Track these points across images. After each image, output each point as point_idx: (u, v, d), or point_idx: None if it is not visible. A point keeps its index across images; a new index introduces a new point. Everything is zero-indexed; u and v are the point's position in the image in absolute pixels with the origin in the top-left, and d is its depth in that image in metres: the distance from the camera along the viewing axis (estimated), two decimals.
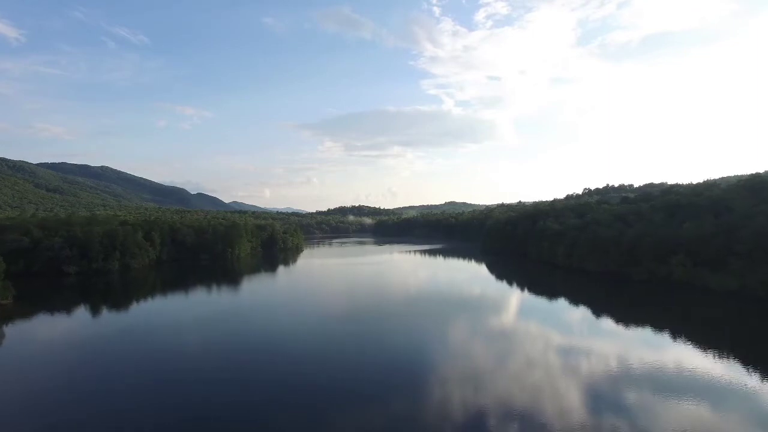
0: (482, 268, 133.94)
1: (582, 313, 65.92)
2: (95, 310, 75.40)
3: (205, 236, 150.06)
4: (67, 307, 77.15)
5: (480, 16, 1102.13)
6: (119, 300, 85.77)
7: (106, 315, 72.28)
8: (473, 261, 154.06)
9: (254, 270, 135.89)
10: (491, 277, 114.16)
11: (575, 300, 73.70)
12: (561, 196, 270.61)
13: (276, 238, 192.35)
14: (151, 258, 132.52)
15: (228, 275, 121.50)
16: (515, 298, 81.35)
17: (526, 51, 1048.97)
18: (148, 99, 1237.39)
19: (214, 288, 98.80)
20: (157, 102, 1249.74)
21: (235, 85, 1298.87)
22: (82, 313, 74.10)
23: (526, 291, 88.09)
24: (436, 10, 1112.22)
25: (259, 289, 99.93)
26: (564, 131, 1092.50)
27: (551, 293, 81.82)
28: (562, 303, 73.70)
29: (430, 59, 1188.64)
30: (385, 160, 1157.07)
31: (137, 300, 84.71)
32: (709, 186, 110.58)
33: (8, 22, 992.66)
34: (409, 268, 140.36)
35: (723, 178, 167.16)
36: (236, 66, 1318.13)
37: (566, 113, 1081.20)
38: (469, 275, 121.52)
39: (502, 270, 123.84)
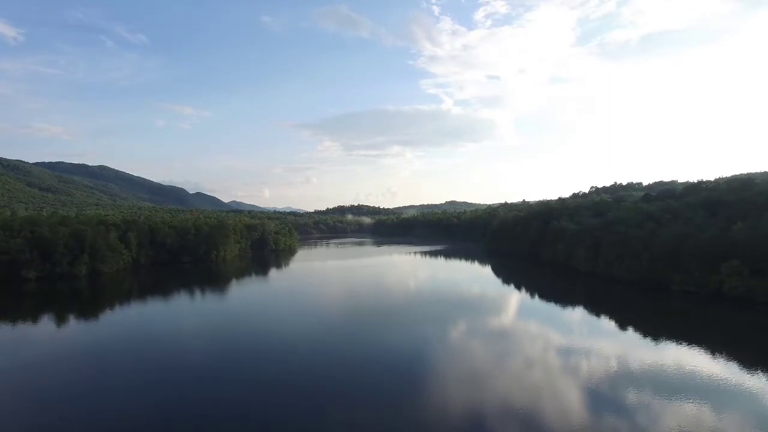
0: (492, 273, 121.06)
1: (629, 334, 53.48)
2: (57, 322, 65.83)
3: (187, 237, 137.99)
4: (21, 318, 67.34)
5: (479, 15, 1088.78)
6: (85, 309, 75.79)
7: (67, 329, 62.36)
8: (481, 264, 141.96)
9: (239, 275, 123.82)
10: (505, 284, 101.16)
11: (613, 315, 61.29)
12: (565, 195, 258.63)
13: (267, 238, 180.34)
14: (126, 261, 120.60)
15: (208, 281, 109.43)
16: (538, 310, 68.77)
17: (525, 50, 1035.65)
18: (148, 99, 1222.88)
19: (184, 297, 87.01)
20: (156, 102, 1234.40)
21: (233, 85, 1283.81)
22: (40, 325, 63.96)
23: (549, 302, 75.14)
24: (435, 9, 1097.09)
25: (238, 299, 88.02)
26: (564, 130, 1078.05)
27: (581, 305, 69.54)
28: (600, 319, 61.44)
29: (429, 58, 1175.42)
30: (385, 160, 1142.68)
31: (102, 310, 74.34)
32: (745, 181, 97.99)
33: (6, 21, 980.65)
34: (411, 272, 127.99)
35: (735, 175, 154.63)
36: (235, 65, 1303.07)
37: (566, 112, 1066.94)
38: (479, 281, 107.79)
39: (515, 275, 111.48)
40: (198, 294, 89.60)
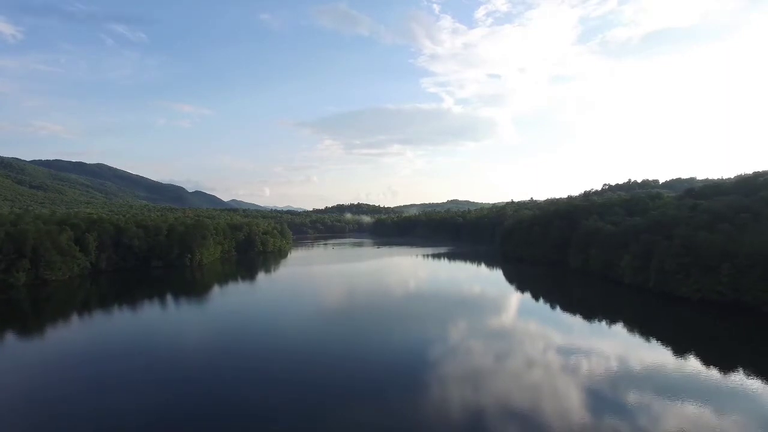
0: (514, 285, 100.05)
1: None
2: None
3: (158, 238, 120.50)
4: None
5: (480, 13, 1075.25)
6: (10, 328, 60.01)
7: None
8: (496, 271, 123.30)
9: (218, 281, 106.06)
10: (527, 296, 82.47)
11: (706, 356, 43.63)
12: (573, 193, 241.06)
13: (254, 239, 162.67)
14: (82, 267, 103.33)
15: (175, 291, 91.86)
16: (591, 343, 50.94)
17: (526, 49, 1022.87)
18: (148, 97, 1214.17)
19: (138, 313, 69.69)
20: (156, 100, 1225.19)
21: (233, 83, 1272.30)
22: None
23: (609, 332, 57.23)
24: (436, 7, 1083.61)
25: (200, 318, 70.52)
26: (566, 129, 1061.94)
27: (647, 337, 51.73)
28: (691, 365, 43.62)
29: (429, 57, 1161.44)
30: (385, 159, 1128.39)
31: (30, 331, 60.11)
32: None
33: (5, 18, 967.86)
34: (415, 284, 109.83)
35: (756, 172, 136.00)
36: (234, 63, 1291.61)
37: (567, 111, 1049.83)
38: (503, 297, 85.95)
39: (543, 287, 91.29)
40: (157, 309, 73.76)
